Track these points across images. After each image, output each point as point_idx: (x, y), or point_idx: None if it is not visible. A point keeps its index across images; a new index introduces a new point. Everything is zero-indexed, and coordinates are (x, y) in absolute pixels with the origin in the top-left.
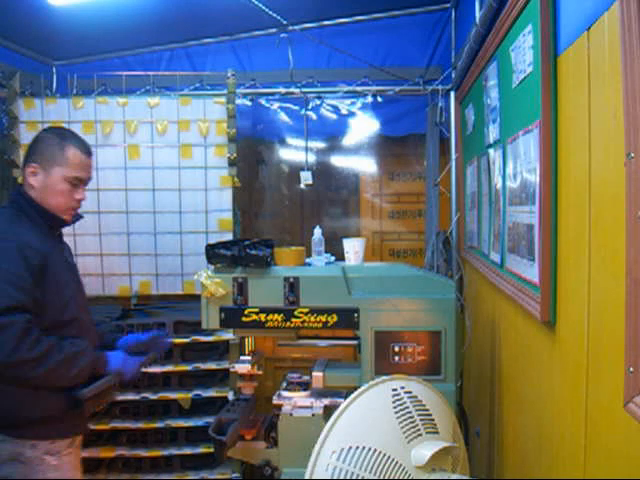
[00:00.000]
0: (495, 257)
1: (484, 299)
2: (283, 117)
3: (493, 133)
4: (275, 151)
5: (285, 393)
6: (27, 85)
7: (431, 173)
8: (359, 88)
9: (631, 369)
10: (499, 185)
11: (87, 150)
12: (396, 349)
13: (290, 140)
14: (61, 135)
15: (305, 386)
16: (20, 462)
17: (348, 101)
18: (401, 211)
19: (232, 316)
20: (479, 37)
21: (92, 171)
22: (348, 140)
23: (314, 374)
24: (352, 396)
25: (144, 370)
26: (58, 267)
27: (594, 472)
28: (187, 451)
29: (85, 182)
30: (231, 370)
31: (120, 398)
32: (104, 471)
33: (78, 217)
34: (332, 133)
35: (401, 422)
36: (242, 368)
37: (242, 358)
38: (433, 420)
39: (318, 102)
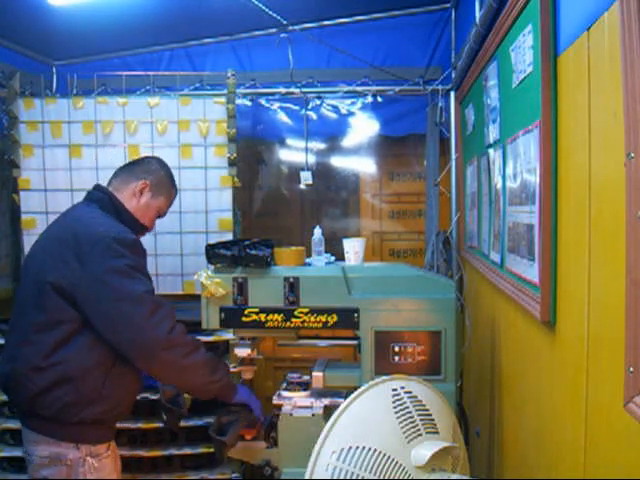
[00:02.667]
0: (495, 257)
1: (484, 299)
2: (283, 117)
3: (493, 133)
4: (275, 151)
5: (285, 393)
6: (27, 85)
7: (431, 173)
8: (359, 88)
9: (631, 369)
10: (499, 185)
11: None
12: (396, 349)
13: (290, 140)
14: (172, 176)
15: (305, 386)
16: (63, 464)
17: (348, 101)
18: (401, 211)
19: (232, 316)
20: (479, 37)
21: None
22: (348, 140)
23: (314, 374)
24: (352, 396)
25: None
26: None
27: (594, 472)
28: (187, 451)
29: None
30: (231, 370)
31: None
32: None
33: None
34: (332, 133)
35: (401, 422)
36: (242, 352)
37: (242, 342)
38: (433, 420)
39: (318, 102)
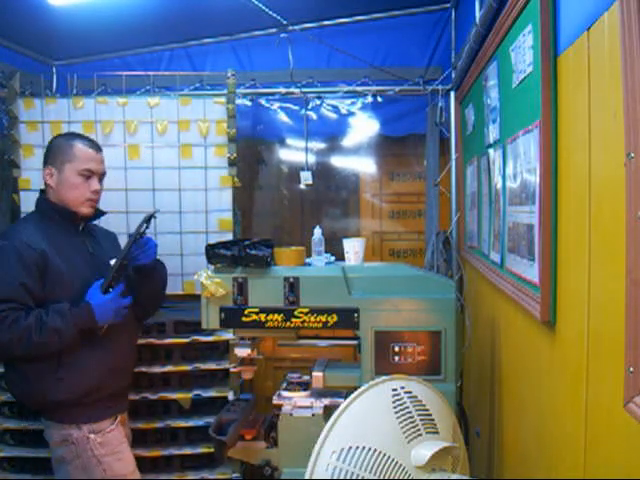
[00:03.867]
0: (495, 257)
1: (484, 299)
2: (283, 117)
3: (493, 133)
4: (275, 151)
5: (285, 393)
6: (27, 85)
7: (431, 173)
8: (359, 88)
9: (631, 369)
10: (499, 185)
11: (94, 145)
12: (396, 349)
13: (290, 140)
14: (67, 136)
15: (305, 386)
16: (71, 443)
17: (348, 101)
18: (401, 211)
19: (232, 316)
20: (479, 37)
21: (103, 165)
22: (348, 140)
23: (314, 374)
24: (352, 396)
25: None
26: (64, 264)
27: (594, 472)
28: (187, 451)
29: (99, 174)
30: (231, 370)
31: None
32: None
33: (101, 213)
34: (332, 133)
35: (401, 422)
36: (242, 352)
37: (242, 342)
38: (433, 420)
39: (318, 102)
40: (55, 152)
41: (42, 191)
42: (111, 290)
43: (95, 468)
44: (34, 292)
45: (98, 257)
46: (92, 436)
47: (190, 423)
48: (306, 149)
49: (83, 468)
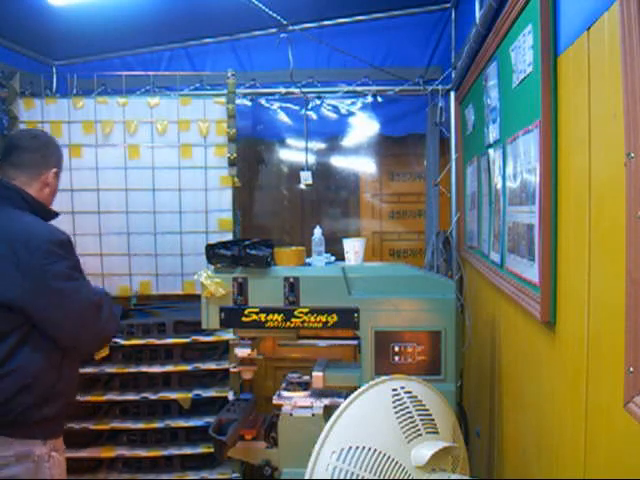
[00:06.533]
0: (495, 257)
1: (484, 299)
2: (283, 117)
3: (493, 133)
4: (275, 151)
5: (285, 393)
6: (27, 85)
7: (431, 173)
8: (359, 88)
9: (631, 369)
10: (499, 185)
11: None
12: (396, 349)
13: (290, 140)
14: (53, 138)
15: (305, 386)
16: (30, 460)
17: (348, 101)
18: (401, 211)
19: (232, 316)
20: (479, 37)
21: None
22: (348, 140)
23: (314, 374)
24: (352, 396)
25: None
26: None
27: (594, 472)
28: (187, 451)
29: None
30: (231, 370)
31: (120, 398)
32: (104, 471)
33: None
34: (332, 133)
35: (401, 422)
36: (242, 352)
37: (242, 342)
38: (433, 420)
39: (318, 102)
40: (59, 155)
41: (10, 185)
42: None
43: None
44: None
45: None
46: (54, 454)
47: (190, 423)
48: (306, 149)
49: None
